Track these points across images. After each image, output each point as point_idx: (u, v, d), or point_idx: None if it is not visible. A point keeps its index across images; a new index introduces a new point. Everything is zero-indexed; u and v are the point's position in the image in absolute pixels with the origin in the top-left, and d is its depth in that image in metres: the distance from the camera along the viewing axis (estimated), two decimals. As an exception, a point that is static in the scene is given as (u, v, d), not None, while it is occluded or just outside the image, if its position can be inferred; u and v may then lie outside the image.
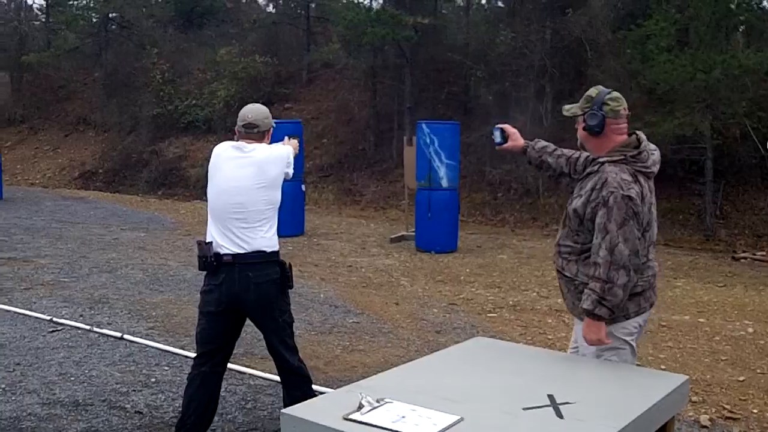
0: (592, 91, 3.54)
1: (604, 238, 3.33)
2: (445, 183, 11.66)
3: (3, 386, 5.26)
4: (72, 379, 5.43)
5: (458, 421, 2.59)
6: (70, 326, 6.77)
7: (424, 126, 11.87)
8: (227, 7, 28.31)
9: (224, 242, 4.01)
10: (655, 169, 3.52)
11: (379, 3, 21.75)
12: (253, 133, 4.18)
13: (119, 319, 7.11)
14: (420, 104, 18.95)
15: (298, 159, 13.10)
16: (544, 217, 15.50)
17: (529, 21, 17.63)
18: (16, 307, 7.49)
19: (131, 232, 13.01)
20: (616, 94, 3.50)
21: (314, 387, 4.76)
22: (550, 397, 2.84)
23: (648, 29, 14.10)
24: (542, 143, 3.86)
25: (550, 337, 6.98)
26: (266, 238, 4.10)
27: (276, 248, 4.14)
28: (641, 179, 3.42)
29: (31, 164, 25.17)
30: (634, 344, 3.55)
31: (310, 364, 5.71)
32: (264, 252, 4.07)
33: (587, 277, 3.42)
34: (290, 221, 12.64)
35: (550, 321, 7.57)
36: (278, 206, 4.21)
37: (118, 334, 6.47)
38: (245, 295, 4.03)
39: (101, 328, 6.69)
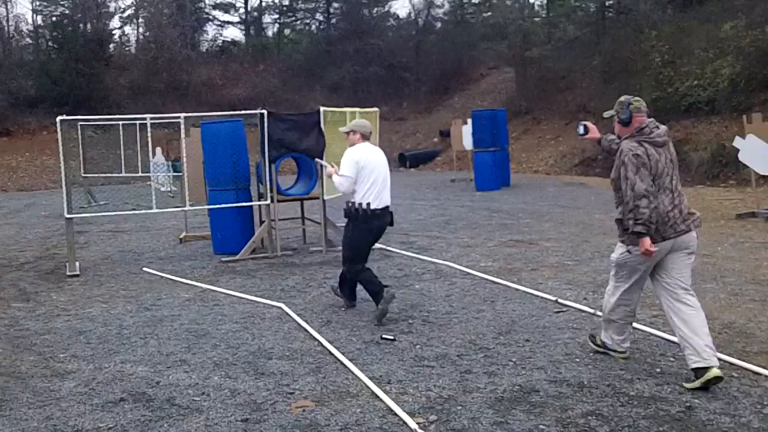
0: (621, 98, 5.31)
1: (626, 183, 5.02)
2: None
3: (514, 360, 5.60)
4: (577, 360, 5.54)
5: None
6: (575, 308, 6.94)
7: None
8: (732, -21, 26.46)
9: None
10: (660, 140, 5.13)
11: None
12: None
13: (621, 305, 7.07)
14: None
15: None
16: None
17: None
18: (524, 286, 7.95)
19: (630, 218, 12.91)
20: (636, 98, 5.25)
21: None
22: None
23: None
24: (611, 136, 5.62)
25: None
26: None
27: None
28: (646, 146, 5.10)
29: (534, 152, 26.70)
30: (640, 262, 5.15)
31: None
32: None
33: (623, 214, 5.13)
34: None
35: None
36: None
37: (621, 320, 6.42)
38: None
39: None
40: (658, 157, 5.08)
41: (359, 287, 7.32)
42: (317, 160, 9.17)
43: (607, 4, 29.10)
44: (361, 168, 6.92)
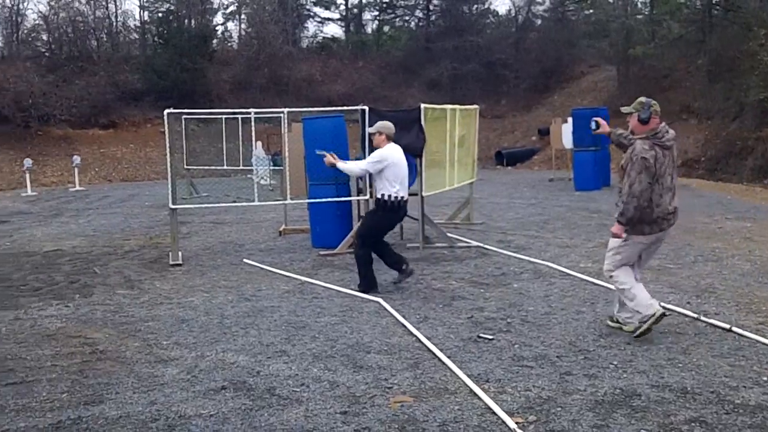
0: (642, 99, 5.91)
1: (628, 179, 5.78)
2: None
3: (615, 363, 5.51)
4: (680, 365, 5.41)
5: None
6: (678, 312, 6.77)
7: None
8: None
9: None
10: (669, 143, 5.86)
11: None
12: None
13: (727, 311, 6.86)
14: None
15: None
16: None
17: None
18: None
19: (736, 222, 12.49)
20: (655, 101, 5.86)
21: None
22: None
23: None
24: (620, 131, 6.34)
25: None
26: None
27: None
28: (657, 149, 5.79)
29: (634, 153, 25.99)
30: (637, 249, 6.06)
31: None
32: None
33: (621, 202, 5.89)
34: None
35: None
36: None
37: (727, 326, 6.23)
38: None
39: (708, 318, 6.54)
40: (663, 159, 5.82)
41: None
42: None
43: (713, 1, 28.05)
44: (389, 165, 7.90)
